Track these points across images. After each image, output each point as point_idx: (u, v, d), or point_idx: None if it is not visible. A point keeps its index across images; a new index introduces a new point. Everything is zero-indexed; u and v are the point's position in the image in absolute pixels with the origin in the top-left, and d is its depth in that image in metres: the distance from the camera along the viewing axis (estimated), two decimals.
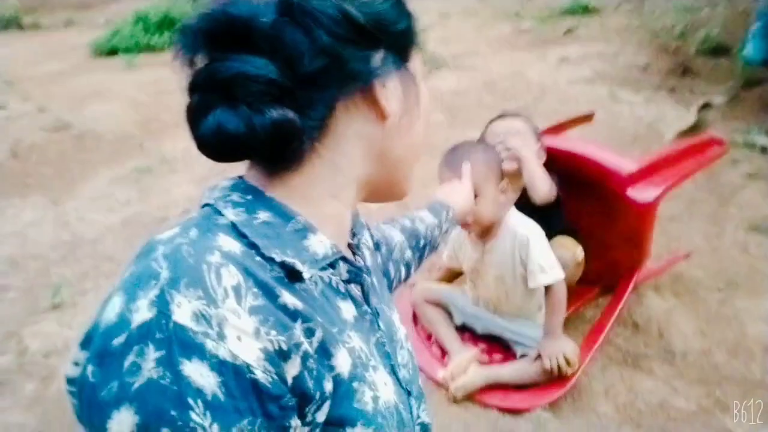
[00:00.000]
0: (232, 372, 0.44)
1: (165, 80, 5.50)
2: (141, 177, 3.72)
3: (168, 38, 6.51)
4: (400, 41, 0.60)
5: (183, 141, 4.21)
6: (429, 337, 2.12)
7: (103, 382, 0.43)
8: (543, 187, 1.96)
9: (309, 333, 0.50)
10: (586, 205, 2.08)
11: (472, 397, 1.87)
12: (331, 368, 0.52)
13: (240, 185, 0.57)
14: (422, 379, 1.93)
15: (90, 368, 0.44)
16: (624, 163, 2.06)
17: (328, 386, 0.51)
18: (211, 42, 0.52)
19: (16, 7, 9.43)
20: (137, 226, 3.11)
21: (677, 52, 5.17)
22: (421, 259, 1.06)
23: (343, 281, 0.60)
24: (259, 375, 0.45)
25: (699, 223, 2.84)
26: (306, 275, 0.53)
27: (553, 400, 1.86)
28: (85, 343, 0.47)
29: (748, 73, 4.31)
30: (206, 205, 0.56)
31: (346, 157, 0.58)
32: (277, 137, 0.51)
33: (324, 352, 0.52)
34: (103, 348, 0.44)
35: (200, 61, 0.53)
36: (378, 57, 0.56)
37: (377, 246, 0.89)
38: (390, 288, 0.94)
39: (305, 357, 0.49)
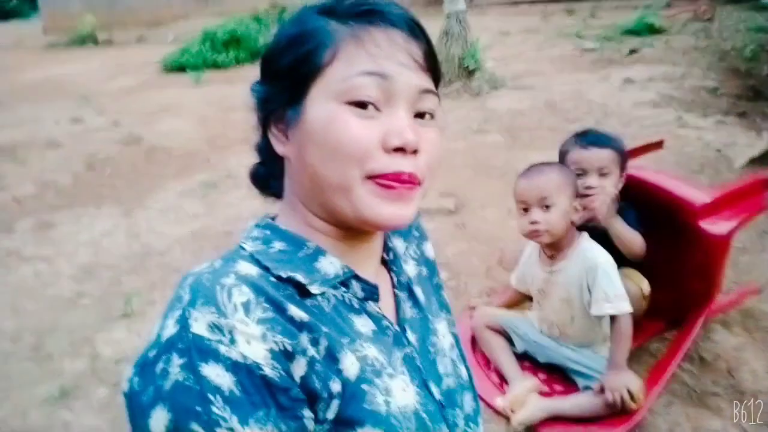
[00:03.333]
0: (244, 371, 0.51)
1: (230, 97, 5.71)
2: (207, 191, 3.86)
3: (233, 57, 6.74)
4: (289, 77, 0.63)
5: (247, 157, 4.35)
6: (488, 363, 2.11)
7: (142, 388, 0.52)
8: (633, 247, 1.94)
9: (314, 342, 0.58)
10: (657, 236, 2.03)
11: (532, 428, 1.85)
12: (339, 371, 0.58)
13: (261, 224, 0.68)
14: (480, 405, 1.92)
15: (135, 379, 0.54)
16: (697, 194, 2.01)
17: (335, 387, 0.57)
18: None
19: (93, 23, 9.97)
20: (204, 239, 3.23)
21: (748, 74, 5.00)
22: None
23: (358, 298, 0.66)
24: (268, 371, 0.52)
25: None
26: (315, 291, 0.61)
27: None
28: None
29: None
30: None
31: (290, 185, 0.68)
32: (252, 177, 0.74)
33: (331, 357, 0.58)
34: (142, 361, 0.54)
35: None
36: (271, 93, 0.65)
37: None
38: None
39: (312, 361, 0.56)
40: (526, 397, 1.89)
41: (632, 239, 1.94)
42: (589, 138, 2.04)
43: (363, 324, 0.64)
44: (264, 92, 0.66)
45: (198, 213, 3.59)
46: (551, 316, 2.01)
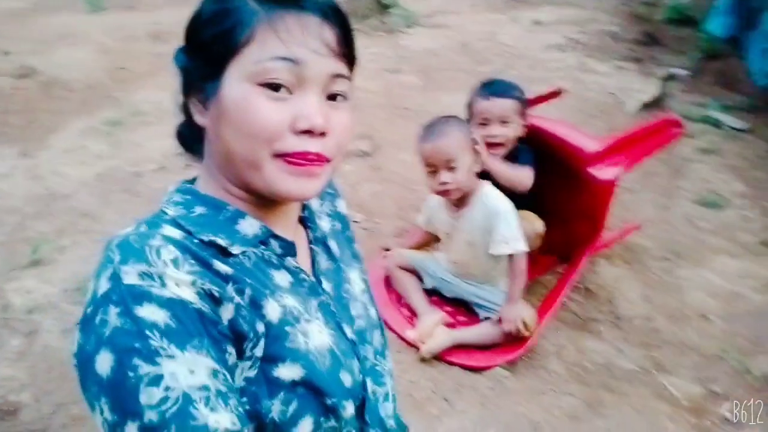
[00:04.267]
0: (178, 305, 0.58)
1: (132, 26, 5.35)
2: (112, 129, 3.69)
3: None
4: (208, 53, 0.66)
5: (154, 92, 4.15)
6: (399, 299, 2.27)
7: (86, 340, 0.58)
8: (516, 182, 2.14)
9: (239, 292, 0.64)
10: (550, 180, 2.22)
11: (438, 356, 2.04)
12: (263, 316, 0.65)
13: (182, 189, 0.72)
14: (392, 338, 2.08)
15: (79, 335, 0.59)
16: (588, 143, 2.20)
17: (260, 328, 0.64)
18: None
19: None
20: (111, 181, 3.13)
21: (646, 20, 5.28)
22: None
23: (276, 255, 0.72)
24: (199, 305, 0.59)
25: (651, 194, 3.03)
26: (235, 251, 0.67)
27: (510, 360, 2.04)
28: None
29: (711, 47, 4.46)
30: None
31: (209, 152, 0.72)
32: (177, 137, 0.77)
33: (254, 304, 0.65)
34: (83, 317, 0.60)
35: None
36: (192, 65, 0.68)
37: None
38: None
39: (238, 307, 0.63)
40: (434, 328, 2.07)
41: (514, 175, 2.13)
42: (491, 89, 2.18)
43: (282, 278, 0.71)
44: (185, 62, 0.69)
45: (103, 153, 3.44)
46: (456, 257, 2.18)
